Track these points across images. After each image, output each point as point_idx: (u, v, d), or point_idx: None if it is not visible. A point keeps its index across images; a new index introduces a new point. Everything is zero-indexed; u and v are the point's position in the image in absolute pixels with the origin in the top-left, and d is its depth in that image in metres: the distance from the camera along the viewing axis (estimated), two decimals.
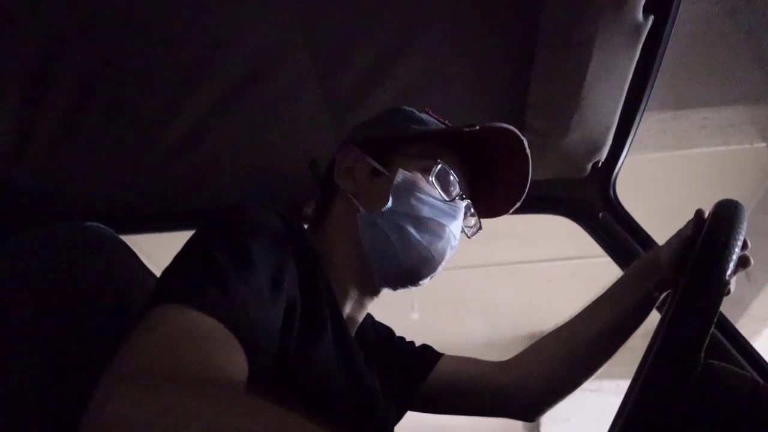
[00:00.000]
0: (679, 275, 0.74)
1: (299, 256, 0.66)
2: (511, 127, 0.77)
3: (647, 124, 1.74)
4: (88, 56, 0.98)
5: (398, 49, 0.95)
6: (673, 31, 0.87)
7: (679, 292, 0.61)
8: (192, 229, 0.63)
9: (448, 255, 0.79)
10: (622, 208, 1.19)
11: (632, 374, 0.65)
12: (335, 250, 0.78)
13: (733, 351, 1.00)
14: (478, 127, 0.75)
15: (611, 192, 1.18)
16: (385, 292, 0.82)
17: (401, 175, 0.76)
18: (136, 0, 0.89)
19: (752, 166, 2.39)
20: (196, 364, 0.46)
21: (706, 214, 0.74)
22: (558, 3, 0.84)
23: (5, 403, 0.57)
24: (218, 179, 1.24)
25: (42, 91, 1.04)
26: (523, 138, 0.78)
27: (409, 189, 0.75)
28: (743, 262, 0.76)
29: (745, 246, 0.74)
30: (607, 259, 1.20)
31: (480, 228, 0.86)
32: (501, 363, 0.95)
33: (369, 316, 0.91)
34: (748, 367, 0.98)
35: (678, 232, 0.82)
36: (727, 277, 0.60)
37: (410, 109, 0.84)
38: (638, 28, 0.83)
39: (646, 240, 1.15)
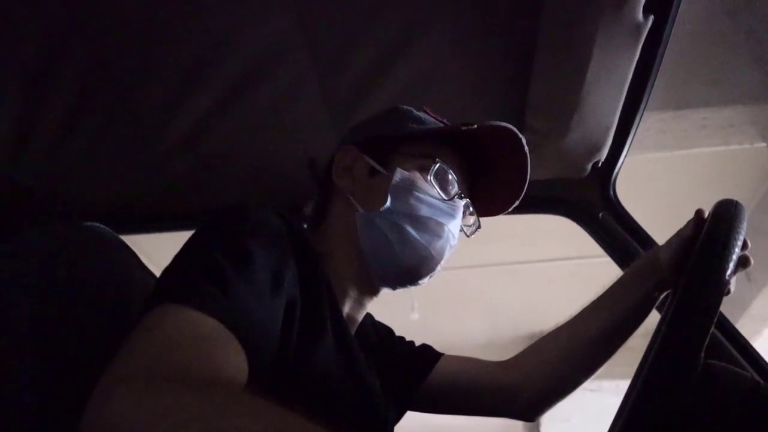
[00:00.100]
0: (679, 275, 0.74)
1: (299, 255, 0.66)
2: (510, 126, 0.77)
3: (647, 124, 1.74)
4: (88, 56, 0.98)
5: (398, 49, 0.95)
6: (673, 31, 0.87)
7: (679, 292, 0.61)
8: (192, 229, 0.63)
9: (447, 254, 0.79)
10: (622, 208, 1.19)
11: (632, 374, 0.65)
12: (334, 249, 0.78)
13: (733, 351, 1.00)
14: (476, 126, 0.75)
15: (611, 192, 1.18)
16: (385, 292, 0.82)
17: (399, 174, 0.76)
18: (136, 0, 0.89)
19: (752, 166, 2.39)
20: (196, 365, 0.46)
21: (706, 214, 0.74)
22: (558, 3, 0.84)
23: (5, 403, 0.57)
24: (218, 179, 1.24)
25: (42, 91, 1.04)
26: (521, 137, 0.78)
27: (408, 188, 0.75)
28: (743, 262, 0.76)
29: (745, 246, 0.74)
30: (607, 259, 1.20)
31: (479, 227, 0.86)
32: (501, 363, 0.95)
33: (369, 316, 0.91)
34: (748, 367, 0.98)
35: (678, 232, 0.82)
36: (727, 277, 0.60)
37: (408, 108, 0.84)
38: (638, 28, 0.83)
39: (646, 240, 1.14)
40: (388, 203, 0.75)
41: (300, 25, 0.92)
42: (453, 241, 0.79)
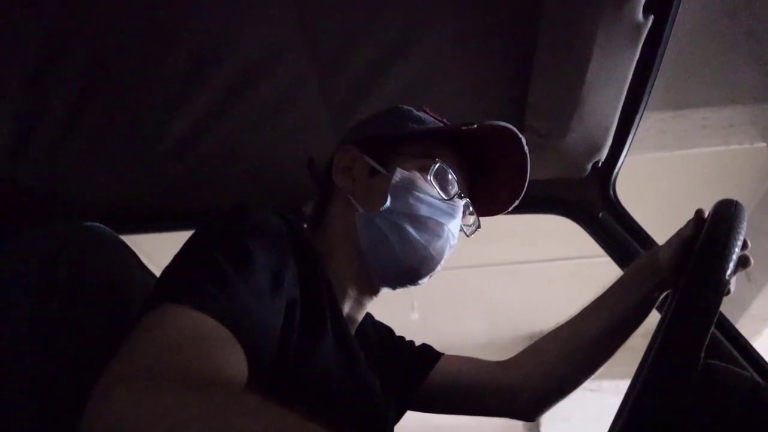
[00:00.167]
0: (679, 275, 0.74)
1: (299, 255, 0.66)
2: (510, 126, 0.77)
3: (647, 124, 1.74)
4: (88, 56, 0.98)
5: (398, 49, 0.95)
6: (673, 31, 0.87)
7: (679, 292, 0.61)
8: (192, 229, 0.63)
9: (447, 254, 0.79)
10: (622, 208, 1.19)
11: (632, 374, 0.65)
12: (334, 249, 0.78)
13: (733, 351, 1.00)
14: (476, 126, 0.75)
15: (611, 192, 1.18)
16: (385, 292, 0.82)
17: (399, 174, 0.76)
18: (136, 0, 0.89)
19: (752, 166, 2.39)
20: (196, 365, 0.46)
21: (706, 214, 0.74)
22: (558, 3, 0.84)
23: (5, 403, 0.57)
24: (218, 179, 1.24)
25: (42, 91, 1.04)
26: (521, 136, 0.78)
27: (408, 188, 0.75)
28: (743, 262, 0.76)
29: (745, 246, 0.74)
30: (607, 259, 1.20)
31: (479, 227, 0.86)
32: (501, 363, 0.95)
33: (369, 316, 0.91)
34: (748, 367, 0.98)
35: (678, 232, 0.82)
36: (727, 277, 0.60)
37: (408, 108, 0.84)
38: (638, 27, 0.83)
39: (646, 240, 1.14)
40: (388, 203, 0.75)
41: (300, 25, 0.92)
42: (453, 241, 0.79)
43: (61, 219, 0.71)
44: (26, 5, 0.90)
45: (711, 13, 1.34)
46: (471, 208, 0.84)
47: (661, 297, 0.86)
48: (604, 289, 0.91)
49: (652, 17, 0.83)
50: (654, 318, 0.80)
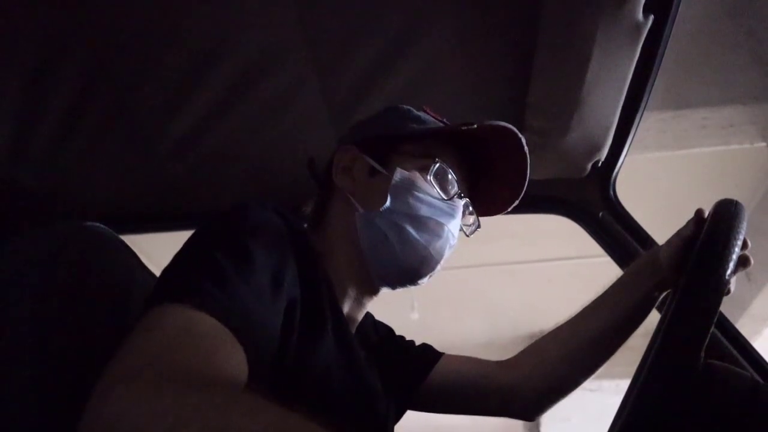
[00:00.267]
0: (679, 275, 0.74)
1: (299, 255, 0.66)
2: (509, 126, 0.77)
3: (647, 123, 1.74)
4: (88, 56, 0.98)
5: (398, 48, 0.95)
6: (673, 31, 0.87)
7: (679, 292, 0.61)
8: (192, 229, 0.63)
9: (447, 254, 0.79)
10: (622, 207, 1.19)
11: (632, 374, 0.65)
12: (334, 249, 0.78)
13: (733, 351, 1.00)
14: (476, 126, 0.75)
15: (611, 192, 1.18)
16: (385, 292, 0.82)
17: (399, 174, 0.76)
18: (136, 0, 0.89)
19: (752, 166, 2.39)
20: (195, 364, 0.46)
21: (706, 214, 0.74)
22: (558, 3, 0.84)
23: (5, 402, 0.57)
24: (218, 179, 1.24)
25: (42, 91, 1.04)
26: (521, 136, 0.78)
27: (408, 188, 0.75)
28: (743, 262, 0.76)
29: (745, 246, 0.74)
30: (606, 259, 1.20)
31: (479, 226, 0.86)
32: (501, 362, 0.95)
33: (369, 316, 0.91)
34: (748, 367, 0.98)
35: (678, 231, 0.82)
36: (727, 277, 0.60)
37: (408, 107, 0.84)
38: (638, 27, 0.83)
39: (646, 240, 1.14)
40: (388, 203, 0.75)
41: (300, 24, 0.92)
42: (453, 241, 0.79)
43: (61, 219, 0.71)
44: (26, 5, 0.90)
45: (711, 13, 1.34)
46: (471, 208, 0.84)
47: (661, 297, 0.86)
48: (604, 289, 0.91)
49: (652, 17, 0.83)
50: (654, 318, 0.80)
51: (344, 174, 0.80)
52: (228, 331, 0.50)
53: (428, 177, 0.77)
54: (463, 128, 0.76)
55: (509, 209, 0.87)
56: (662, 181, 2.37)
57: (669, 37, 0.88)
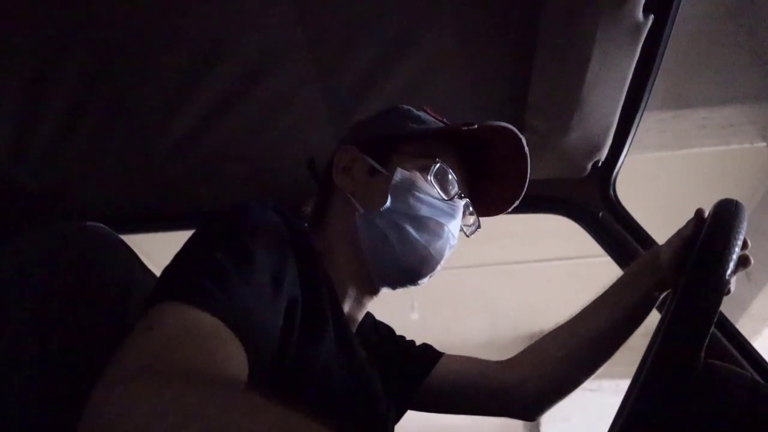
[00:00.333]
0: (679, 275, 0.74)
1: (300, 255, 0.66)
2: (510, 126, 0.77)
3: (647, 123, 1.74)
4: (88, 56, 0.98)
5: (398, 48, 0.95)
6: (673, 30, 0.87)
7: (679, 292, 0.61)
8: (192, 228, 0.63)
9: (447, 254, 0.79)
10: (622, 207, 1.19)
11: (632, 374, 0.65)
12: (334, 249, 0.78)
13: (733, 351, 1.00)
14: (476, 126, 0.75)
15: (611, 192, 1.18)
16: (385, 292, 0.82)
17: (400, 174, 0.76)
18: (136, 0, 0.89)
19: (752, 166, 2.39)
20: (196, 363, 0.46)
21: (706, 214, 0.74)
22: (558, 3, 0.84)
23: (5, 402, 0.57)
24: (218, 179, 1.24)
25: (42, 91, 1.04)
26: (521, 137, 0.78)
27: (408, 188, 0.75)
28: (743, 262, 0.76)
29: (745, 245, 0.74)
30: (606, 259, 1.20)
31: (479, 227, 0.86)
32: (501, 362, 0.95)
33: (369, 316, 0.91)
34: (748, 367, 0.98)
35: (678, 231, 0.82)
36: (727, 277, 0.60)
37: (408, 107, 0.84)
38: (638, 27, 0.83)
39: (646, 240, 1.14)
40: (388, 203, 0.75)
41: (300, 25, 0.92)
42: (453, 241, 0.79)
43: (61, 219, 0.71)
44: (26, 5, 0.90)
45: (711, 13, 1.34)
46: (471, 208, 0.84)
47: (661, 297, 0.86)
48: (605, 289, 0.91)
49: (652, 17, 0.83)
50: (654, 318, 0.80)
51: (344, 174, 0.80)
52: (228, 330, 0.50)
53: (428, 177, 0.77)
54: (464, 128, 0.76)
55: (509, 209, 0.87)
56: (662, 181, 2.37)
57: (669, 37, 0.88)
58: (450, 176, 0.78)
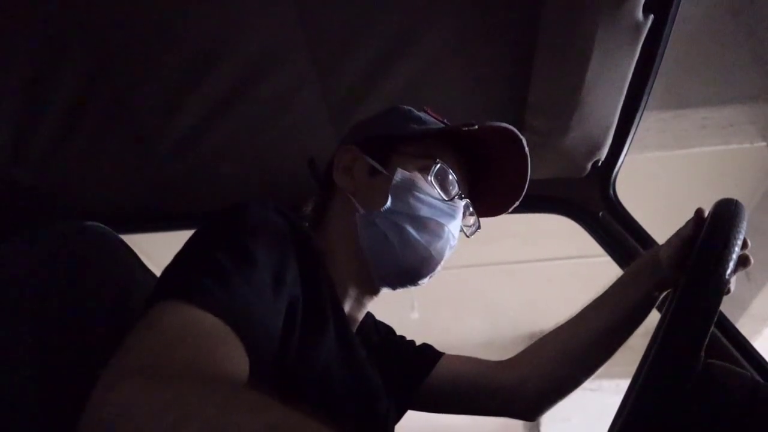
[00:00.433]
0: (679, 275, 0.74)
1: (301, 254, 0.67)
2: (510, 127, 0.77)
3: (647, 123, 1.74)
4: (88, 56, 0.98)
5: (398, 48, 0.95)
6: (673, 30, 0.87)
7: (679, 292, 0.61)
8: (192, 228, 0.63)
9: (448, 254, 0.79)
10: (622, 207, 1.19)
11: (632, 374, 0.65)
12: (334, 249, 0.78)
13: (733, 350, 1.00)
14: (477, 126, 0.75)
15: (611, 191, 1.18)
16: (385, 292, 0.82)
17: (400, 174, 0.76)
18: (136, 0, 0.89)
19: (752, 166, 2.39)
20: (196, 362, 0.46)
21: (706, 214, 0.74)
22: (558, 3, 0.84)
23: (6, 402, 0.57)
24: (218, 179, 1.24)
25: (42, 91, 1.04)
26: (522, 137, 0.78)
27: (408, 188, 0.75)
28: (743, 262, 0.76)
29: (745, 245, 0.74)
30: (606, 259, 1.20)
31: (479, 227, 0.86)
32: (501, 362, 0.95)
33: (370, 315, 0.91)
34: (749, 367, 0.98)
35: (678, 231, 0.82)
36: (727, 277, 0.60)
37: (409, 108, 0.84)
38: (638, 27, 0.83)
39: (646, 239, 1.14)
40: (389, 203, 0.75)
41: (300, 25, 0.92)
42: (453, 242, 0.79)
43: (61, 219, 0.71)
44: (26, 5, 0.90)
45: (711, 12, 1.34)
46: (471, 209, 0.84)
47: (661, 297, 0.86)
48: (605, 289, 0.91)
49: (652, 17, 0.83)
50: (654, 318, 0.80)
51: (345, 174, 0.80)
52: (229, 329, 0.50)
53: (429, 178, 0.77)
54: (464, 129, 0.76)
55: (509, 210, 0.87)
56: (662, 181, 2.37)
57: (669, 36, 0.88)
58: (450, 177, 0.78)
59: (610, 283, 0.91)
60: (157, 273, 0.61)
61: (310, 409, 0.38)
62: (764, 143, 2.05)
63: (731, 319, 1.02)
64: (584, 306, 0.92)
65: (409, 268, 0.77)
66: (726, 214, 0.68)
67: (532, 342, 0.96)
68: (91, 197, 1.30)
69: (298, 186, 0.97)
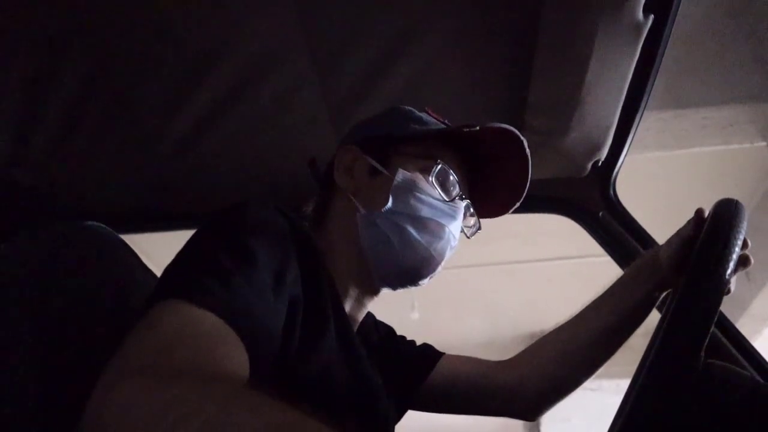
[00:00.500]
0: (679, 275, 0.74)
1: (302, 253, 0.67)
2: (511, 128, 0.77)
3: (647, 123, 1.74)
4: (88, 56, 0.98)
5: (398, 48, 0.95)
6: (673, 30, 0.87)
7: (679, 292, 0.61)
8: (192, 228, 0.63)
9: (448, 255, 0.79)
10: (622, 207, 1.19)
11: (632, 373, 0.65)
12: (335, 249, 0.78)
13: (734, 350, 1.00)
14: (478, 128, 0.75)
15: (611, 191, 1.18)
16: (386, 292, 0.82)
17: (401, 175, 0.76)
18: (137, 1, 0.89)
19: (752, 166, 2.39)
20: (197, 361, 0.46)
21: (706, 214, 0.74)
22: (558, 3, 0.84)
23: (6, 402, 0.57)
24: (218, 179, 1.24)
25: (42, 91, 1.04)
26: (523, 138, 0.78)
27: (409, 189, 0.75)
28: (743, 262, 0.76)
29: (745, 245, 0.74)
30: (606, 259, 1.20)
31: (479, 228, 0.86)
32: (501, 362, 0.95)
33: (370, 315, 0.91)
34: (749, 367, 0.98)
35: (678, 231, 0.82)
36: (727, 277, 0.60)
37: (410, 108, 0.84)
38: (638, 27, 0.83)
39: (646, 239, 1.15)
40: (390, 204, 0.75)
41: (300, 25, 0.92)
42: (454, 242, 0.79)
43: (61, 219, 0.71)
44: (26, 5, 0.90)
45: (711, 13, 1.34)
46: (472, 210, 0.84)
47: (661, 297, 0.86)
48: (605, 289, 0.91)
49: (652, 17, 0.83)
50: (654, 318, 0.80)
51: (345, 174, 0.80)
52: (230, 328, 0.50)
53: (430, 178, 0.77)
54: (465, 130, 0.76)
55: (510, 211, 0.87)
56: (662, 181, 2.37)
57: (669, 37, 0.88)
58: (451, 177, 0.78)
59: (610, 283, 0.91)
60: (157, 273, 0.61)
61: (311, 409, 0.38)
62: (764, 143, 2.05)
63: (731, 319, 1.02)
64: (584, 306, 0.92)
65: (410, 269, 0.77)
66: (726, 214, 0.68)
67: (532, 342, 0.96)
68: (91, 197, 1.30)
69: (298, 186, 0.97)
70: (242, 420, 0.37)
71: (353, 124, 0.89)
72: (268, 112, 1.08)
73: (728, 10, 1.34)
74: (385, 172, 0.77)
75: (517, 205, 0.85)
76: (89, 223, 0.72)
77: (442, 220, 0.76)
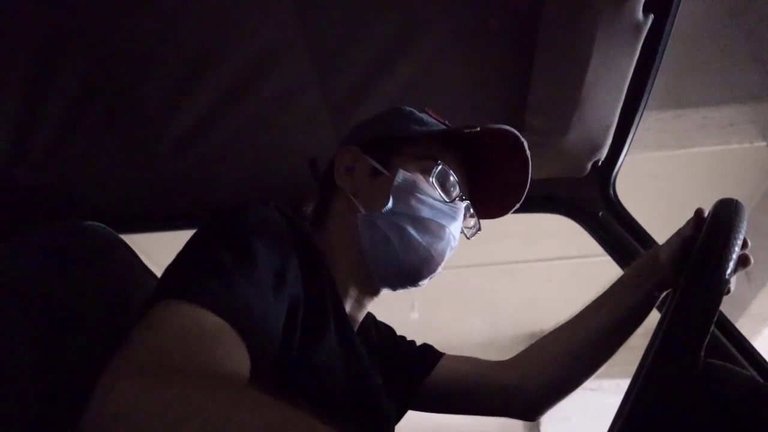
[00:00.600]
0: (679, 275, 0.74)
1: (302, 253, 0.67)
2: (512, 129, 0.77)
3: (647, 123, 1.74)
4: (88, 56, 0.98)
5: (398, 49, 0.95)
6: (673, 30, 0.87)
7: (679, 292, 0.61)
8: (192, 228, 0.63)
9: (448, 256, 0.79)
10: (622, 207, 1.19)
11: (632, 373, 0.65)
12: (335, 249, 0.78)
13: (733, 350, 1.00)
14: (478, 128, 0.75)
15: (611, 191, 1.18)
16: (386, 292, 0.82)
17: (402, 175, 0.76)
18: (136, 0, 0.89)
19: (752, 166, 2.39)
20: (197, 360, 0.46)
21: (706, 214, 0.74)
22: (558, 3, 0.84)
23: (6, 402, 0.57)
24: (218, 179, 1.24)
25: (42, 91, 1.04)
26: (523, 140, 0.78)
27: (410, 189, 0.76)
28: (743, 261, 0.76)
29: (744, 245, 0.74)
30: (606, 259, 1.20)
31: (479, 229, 0.86)
32: (501, 362, 0.95)
33: (370, 315, 0.91)
34: (749, 367, 0.98)
35: (678, 231, 0.82)
36: (727, 277, 0.60)
37: (410, 109, 0.84)
38: (638, 27, 0.83)
39: (646, 239, 1.15)
40: (390, 204, 0.75)
41: (300, 25, 0.92)
42: (454, 243, 0.79)
43: (61, 219, 0.71)
44: (26, 5, 0.90)
45: (711, 12, 1.34)
46: (472, 210, 0.84)
47: (661, 297, 0.86)
48: (605, 289, 0.91)
49: (652, 17, 0.83)
50: (654, 318, 0.80)
51: (346, 174, 0.80)
52: (230, 328, 0.50)
53: (430, 179, 0.77)
54: (466, 131, 0.76)
55: (510, 212, 0.87)
56: (662, 181, 2.37)
57: (669, 36, 0.88)
58: (451, 178, 0.78)
59: (610, 283, 0.91)
60: (157, 273, 0.61)
61: (311, 409, 0.38)
62: (764, 143, 2.05)
63: (731, 319, 1.02)
64: (584, 306, 0.92)
65: (410, 269, 0.77)
66: (726, 214, 0.68)
67: (532, 342, 0.96)
68: (91, 197, 1.30)
69: (298, 186, 0.97)
70: (243, 419, 0.37)
71: (353, 124, 0.89)
72: (268, 112, 1.08)
73: (728, 10, 1.34)
74: (385, 172, 0.77)
75: (518, 206, 0.85)
76: (89, 223, 0.72)
77: (443, 221, 0.76)
